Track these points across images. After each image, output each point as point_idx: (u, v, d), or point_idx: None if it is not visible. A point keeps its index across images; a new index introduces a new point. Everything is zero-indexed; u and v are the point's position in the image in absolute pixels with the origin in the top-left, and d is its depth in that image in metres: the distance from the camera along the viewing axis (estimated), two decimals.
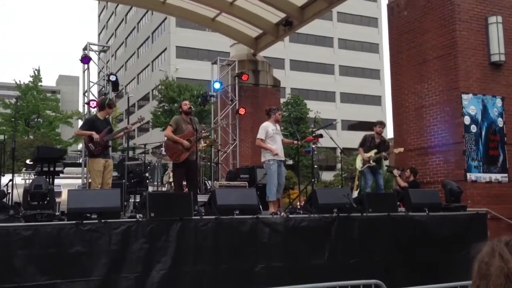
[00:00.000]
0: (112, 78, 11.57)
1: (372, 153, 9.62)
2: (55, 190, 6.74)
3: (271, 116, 8.47)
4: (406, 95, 10.92)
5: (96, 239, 5.81)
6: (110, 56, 53.59)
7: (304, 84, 48.92)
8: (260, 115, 15.80)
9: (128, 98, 28.35)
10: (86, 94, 11.72)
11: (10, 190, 8.42)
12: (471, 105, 9.94)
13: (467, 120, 9.87)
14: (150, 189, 9.79)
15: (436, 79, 10.29)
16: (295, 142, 9.02)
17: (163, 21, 47.03)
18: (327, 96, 51.38)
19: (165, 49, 47.58)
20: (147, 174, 10.06)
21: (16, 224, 5.78)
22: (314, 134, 9.75)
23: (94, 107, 10.94)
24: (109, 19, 65.63)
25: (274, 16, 14.78)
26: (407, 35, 10.98)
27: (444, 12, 10.15)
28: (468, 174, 9.71)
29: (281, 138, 8.49)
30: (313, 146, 9.68)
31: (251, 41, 16.35)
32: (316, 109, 38.53)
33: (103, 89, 12.11)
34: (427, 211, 7.90)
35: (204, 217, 6.58)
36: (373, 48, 54.17)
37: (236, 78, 15.50)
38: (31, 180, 8.22)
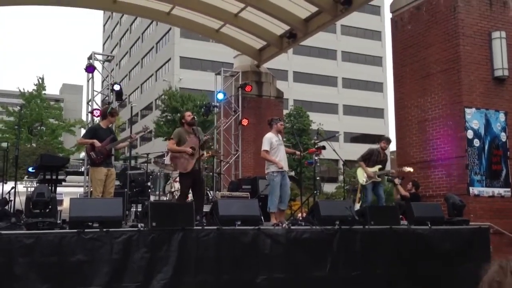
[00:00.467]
0: (116, 87, 11.61)
1: (376, 168, 9.59)
2: (57, 198, 6.74)
3: (273, 126, 8.48)
4: (409, 108, 10.93)
5: (97, 248, 5.80)
6: (114, 65, 53.92)
7: (307, 96, 49.02)
8: (263, 126, 15.81)
9: (132, 107, 28.47)
10: (89, 103, 11.76)
11: (12, 198, 8.44)
12: (474, 119, 9.94)
13: (470, 134, 9.87)
14: (152, 198, 9.79)
15: (439, 93, 10.31)
16: (298, 152, 9.03)
17: (168, 31, 47.31)
18: (330, 108, 51.45)
19: (169, 59, 47.80)
20: (149, 184, 10.06)
21: (18, 231, 5.77)
22: (316, 146, 9.77)
23: (98, 116, 10.98)
24: (114, 29, 66.05)
25: (278, 28, 14.87)
26: (410, 49, 11.02)
27: (448, 26, 10.20)
28: (470, 188, 9.69)
29: (284, 148, 8.50)
30: (316, 158, 9.69)
31: (255, 52, 16.42)
32: (318, 121, 38.57)
33: (107, 98, 12.14)
34: (429, 225, 7.87)
35: (205, 227, 6.57)
36: (377, 61, 54.34)
37: (240, 89, 15.55)
38: (33, 188, 8.23)
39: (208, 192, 11.09)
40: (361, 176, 9.67)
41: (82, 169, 12.39)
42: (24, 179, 11.62)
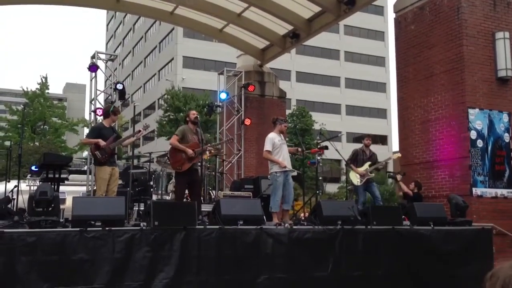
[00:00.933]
0: (119, 86, 11.61)
1: (366, 165, 9.59)
2: (59, 197, 6.75)
3: (276, 126, 8.47)
4: (412, 108, 10.91)
5: (99, 246, 5.81)
6: (117, 64, 53.89)
7: (310, 96, 49.00)
8: (266, 126, 15.81)
9: (134, 106, 28.40)
10: (92, 102, 11.77)
11: (15, 196, 8.46)
12: (477, 120, 9.92)
13: (473, 134, 9.84)
14: (155, 197, 9.79)
15: (442, 93, 10.28)
16: (299, 150, 9.02)
17: (171, 31, 47.36)
18: (333, 109, 51.43)
19: (172, 59, 47.84)
20: (151, 183, 10.06)
21: (20, 230, 5.79)
22: (319, 146, 9.76)
23: (101, 115, 10.98)
24: (117, 29, 66.17)
25: (281, 28, 14.85)
26: (413, 49, 11.00)
27: (452, 27, 10.17)
28: (473, 189, 9.66)
29: (287, 148, 8.50)
30: (318, 158, 9.68)
31: (258, 52, 16.41)
32: (321, 121, 38.57)
33: (110, 97, 12.14)
34: (432, 225, 7.85)
35: (208, 226, 6.57)
36: (380, 61, 54.28)
37: (242, 88, 15.53)
38: (36, 187, 8.24)
39: (210, 191, 11.09)
40: (354, 177, 9.65)
41: (85, 168, 12.42)
42: (27, 178, 11.64)
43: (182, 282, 6.11)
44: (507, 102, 10.35)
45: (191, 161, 7.85)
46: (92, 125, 11.11)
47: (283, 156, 8.23)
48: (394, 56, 11.65)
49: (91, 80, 11.79)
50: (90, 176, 10.83)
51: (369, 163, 9.62)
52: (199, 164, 8.02)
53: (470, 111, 9.87)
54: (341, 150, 9.59)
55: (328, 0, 12.94)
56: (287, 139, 8.83)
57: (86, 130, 25.91)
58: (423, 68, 10.72)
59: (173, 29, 45.65)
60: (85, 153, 28.26)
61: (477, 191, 9.69)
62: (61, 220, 6.72)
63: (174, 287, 6.05)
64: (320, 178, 10.47)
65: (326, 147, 9.59)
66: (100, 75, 12.44)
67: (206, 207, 8.70)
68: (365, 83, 52.85)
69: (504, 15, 10.51)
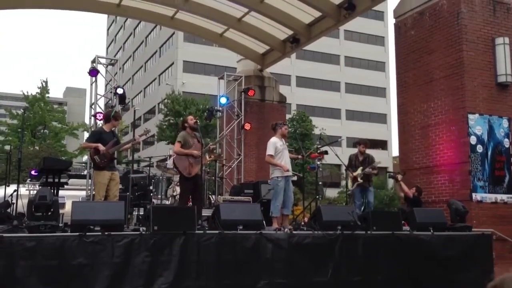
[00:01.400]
0: (119, 91, 11.63)
1: (359, 170, 9.61)
2: (59, 202, 6.74)
3: (277, 131, 8.48)
4: (412, 113, 10.91)
5: (99, 251, 5.79)
6: (117, 69, 53.97)
7: (310, 100, 49.04)
8: (266, 131, 15.81)
9: (135, 111, 28.36)
10: (93, 106, 11.79)
11: (14, 201, 8.45)
12: (477, 125, 9.92)
13: (473, 140, 9.84)
14: (154, 202, 9.78)
15: (442, 99, 10.29)
16: (300, 157, 9.02)
17: (171, 35, 47.44)
18: (333, 113, 51.46)
19: (172, 63, 47.91)
20: (151, 187, 10.06)
21: (20, 234, 5.78)
22: (319, 151, 9.75)
23: (101, 120, 10.99)
24: (117, 33, 66.28)
25: (281, 33, 14.88)
26: (413, 54, 11.01)
27: (451, 32, 10.19)
28: (473, 194, 9.65)
29: (288, 153, 8.50)
30: (318, 162, 9.68)
31: (258, 57, 16.44)
32: (321, 125, 38.61)
33: (110, 101, 12.16)
34: (432, 231, 7.84)
35: (207, 231, 6.55)
36: (379, 66, 54.35)
37: (243, 93, 15.55)
38: (35, 191, 8.24)
39: (210, 196, 11.08)
40: (350, 182, 9.82)
41: (85, 172, 12.41)
42: (27, 182, 11.64)
43: (181, 287, 6.09)
44: (507, 108, 10.35)
45: (198, 164, 7.84)
46: (92, 129, 11.12)
47: (285, 161, 8.24)
48: (394, 61, 11.67)
49: (91, 84, 11.81)
50: (89, 180, 10.83)
51: (361, 168, 9.67)
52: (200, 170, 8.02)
53: (470, 116, 9.87)
54: (341, 155, 9.59)
55: (328, 5, 12.97)
56: (287, 143, 8.83)
57: (86, 135, 25.92)
58: (423, 73, 10.73)
59: (173, 33, 45.72)
60: (85, 158, 28.25)
61: (477, 196, 9.68)
62: (61, 224, 6.71)
63: None
64: (320, 183, 10.49)
65: (326, 152, 9.59)
66: (101, 79, 12.51)
67: (205, 212, 8.69)
68: (365, 88, 52.90)
69: (504, 21, 10.53)
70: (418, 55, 10.90)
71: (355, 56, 52.87)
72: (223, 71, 16.79)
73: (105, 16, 66.89)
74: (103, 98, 13.56)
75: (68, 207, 8.57)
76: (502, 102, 10.32)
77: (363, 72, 52.61)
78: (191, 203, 8.14)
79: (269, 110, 16.62)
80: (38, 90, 37.94)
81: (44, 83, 38.04)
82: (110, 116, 8.17)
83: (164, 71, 49.96)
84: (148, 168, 10.69)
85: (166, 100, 38.14)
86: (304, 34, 14.36)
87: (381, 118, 53.74)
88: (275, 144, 8.23)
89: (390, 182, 34.02)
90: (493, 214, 9.72)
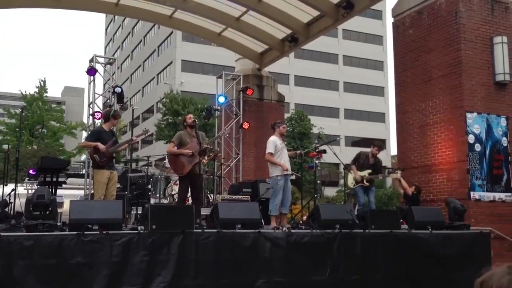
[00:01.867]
0: (117, 90, 11.63)
1: (365, 172, 9.53)
2: (57, 201, 6.74)
3: (276, 130, 8.49)
4: (410, 112, 10.92)
5: (97, 250, 5.79)
6: (116, 68, 54.02)
7: (309, 100, 49.04)
8: (264, 130, 15.81)
9: (133, 110, 28.45)
10: (91, 105, 11.77)
11: (12, 200, 8.44)
12: (475, 124, 9.93)
13: (471, 138, 9.85)
14: (152, 201, 9.77)
15: (440, 97, 10.30)
16: (298, 152, 9.01)
17: (170, 35, 47.40)
18: (331, 112, 51.46)
19: (171, 62, 47.88)
20: (149, 186, 10.05)
21: (18, 233, 5.77)
22: (317, 150, 9.75)
23: (99, 119, 10.98)
24: (116, 32, 66.21)
25: (279, 32, 14.88)
26: (412, 53, 11.02)
27: (449, 31, 10.19)
28: (471, 193, 9.66)
29: (287, 152, 8.51)
30: (316, 161, 9.67)
31: (257, 56, 16.43)
32: (320, 125, 38.58)
33: (108, 101, 12.15)
34: (430, 229, 7.85)
35: (205, 230, 6.56)
36: (378, 65, 54.36)
37: (241, 92, 15.55)
38: (33, 190, 8.23)
39: (208, 195, 11.08)
40: (350, 179, 9.62)
41: (83, 171, 12.39)
42: (25, 181, 11.62)
43: (179, 286, 6.10)
44: (505, 106, 10.36)
45: (190, 163, 7.82)
46: (91, 128, 11.12)
47: (284, 160, 8.25)
48: (393, 60, 11.67)
49: (89, 84, 11.80)
50: (88, 179, 10.81)
51: (369, 171, 9.56)
52: (200, 167, 8.00)
53: (468, 115, 9.88)
54: (340, 154, 9.58)
55: (326, 4, 12.97)
56: (285, 142, 8.83)
57: (85, 134, 25.93)
58: (421, 72, 10.74)
59: (171, 33, 45.69)
60: (83, 157, 28.24)
61: (475, 195, 9.69)
62: (59, 223, 6.70)
63: None
64: (319, 181, 10.47)
65: (325, 151, 9.58)
66: (99, 79, 12.47)
67: (204, 211, 8.68)
68: (363, 87, 52.91)
69: (502, 20, 10.54)
70: (416, 54, 10.91)
71: (354, 55, 52.87)
72: (222, 70, 16.77)
73: (103, 15, 66.91)
74: (101, 97, 13.54)
75: (66, 206, 8.55)
76: (500, 101, 10.33)
77: (361, 71, 52.62)
78: (189, 202, 8.15)
79: (267, 109, 16.62)
80: (36, 89, 37.88)
81: (42, 82, 37.99)
82: (109, 115, 8.17)
83: (163, 70, 49.93)
84: (146, 167, 10.69)
85: (164, 99, 38.13)
86: (302, 33, 14.36)
87: (380, 117, 53.75)
88: (275, 143, 8.24)
89: (389, 181, 34.05)
90: (491, 212, 9.74)
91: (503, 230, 9.50)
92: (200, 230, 6.48)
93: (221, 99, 14.80)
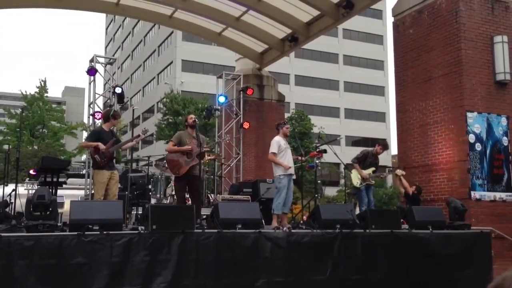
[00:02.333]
0: (118, 90, 11.62)
1: (370, 170, 9.55)
2: (57, 201, 6.74)
3: (280, 130, 8.53)
4: (411, 112, 10.91)
5: (97, 250, 5.79)
6: (116, 68, 53.99)
7: (309, 99, 49.02)
8: (264, 130, 15.82)
9: (133, 110, 28.47)
10: (91, 105, 11.77)
11: (13, 200, 8.44)
12: (476, 123, 9.92)
13: (471, 138, 9.84)
14: (153, 201, 9.77)
15: (441, 97, 10.29)
16: (300, 158, 9.02)
17: (170, 35, 47.39)
18: (332, 112, 51.43)
19: (171, 62, 47.87)
20: (150, 186, 10.05)
21: (18, 234, 5.77)
22: (318, 150, 9.74)
23: (99, 119, 10.98)
24: (116, 32, 66.21)
25: (280, 31, 14.87)
26: (412, 52, 11.01)
27: (450, 30, 10.18)
28: (472, 193, 9.66)
29: (290, 152, 8.54)
30: (317, 161, 9.67)
31: (257, 56, 16.43)
32: (320, 124, 38.53)
33: (109, 101, 12.15)
34: (430, 229, 7.85)
35: (206, 230, 6.55)
36: (378, 65, 54.33)
37: (241, 92, 15.55)
38: (34, 190, 8.22)
39: (209, 195, 11.07)
40: (356, 178, 9.55)
41: (84, 171, 12.39)
42: (25, 182, 11.62)
43: (180, 286, 6.10)
44: (506, 106, 10.35)
45: (188, 164, 7.82)
46: (91, 128, 11.11)
47: (288, 160, 8.29)
48: (393, 60, 11.66)
49: (90, 84, 11.80)
50: (88, 180, 10.81)
51: (373, 168, 9.62)
52: (198, 168, 8.01)
53: (469, 114, 9.87)
54: (340, 154, 9.58)
55: (326, 4, 12.96)
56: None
57: (85, 134, 25.91)
58: (422, 72, 10.73)
59: (172, 32, 45.68)
60: (84, 157, 28.22)
61: (475, 194, 9.69)
62: (59, 224, 6.70)
63: None
64: (319, 181, 10.46)
65: (325, 151, 9.58)
66: (99, 79, 12.46)
67: (204, 211, 8.68)
68: (364, 86, 52.88)
69: (502, 19, 10.53)
70: (416, 53, 10.90)
71: (354, 54, 52.84)
72: (222, 70, 16.76)
73: (103, 15, 66.93)
74: (101, 97, 13.53)
75: (66, 206, 8.55)
76: (501, 100, 10.32)
77: (361, 71, 52.59)
78: (189, 203, 8.15)
79: (267, 109, 16.61)
80: (37, 90, 37.91)
81: (42, 83, 38.01)
82: (109, 115, 8.17)
83: (163, 70, 49.92)
84: (147, 167, 10.68)
85: (164, 99, 38.13)
86: (302, 33, 14.35)
87: (380, 117, 53.72)
88: (279, 143, 8.29)
89: (390, 181, 34.03)
90: (492, 212, 9.73)
91: (504, 230, 9.49)
92: (200, 230, 6.48)
93: (222, 99, 14.79)
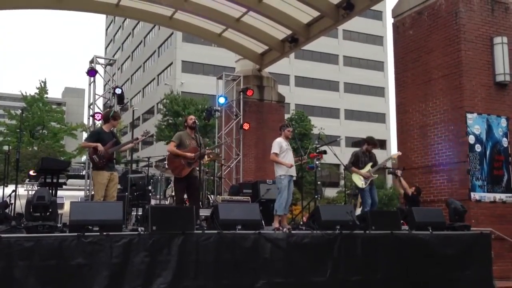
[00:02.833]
0: (118, 91, 11.63)
1: (368, 167, 9.51)
2: (57, 202, 6.74)
3: (282, 132, 8.58)
4: (411, 113, 10.92)
5: (97, 251, 5.79)
6: (116, 69, 54.05)
7: (309, 100, 49.05)
8: (264, 131, 15.83)
9: (133, 111, 28.56)
10: (91, 106, 11.77)
11: (12, 201, 8.44)
12: (475, 124, 9.93)
13: (471, 139, 9.85)
14: (153, 202, 9.77)
15: (441, 98, 10.30)
16: (301, 159, 9.01)
17: (170, 35, 47.43)
18: (332, 113, 51.47)
19: (171, 63, 47.89)
20: (150, 187, 10.05)
21: (18, 235, 5.76)
22: (318, 151, 9.74)
23: (99, 120, 10.98)
24: (116, 33, 66.26)
25: (280, 32, 14.88)
26: (412, 53, 11.02)
27: (450, 31, 10.19)
28: (472, 194, 9.66)
29: (292, 154, 8.56)
30: (317, 162, 9.67)
31: (257, 57, 16.44)
32: (320, 125, 38.58)
33: (109, 102, 12.15)
34: (430, 230, 7.84)
35: (206, 231, 6.55)
36: (378, 66, 54.37)
37: (241, 93, 15.56)
38: (34, 191, 8.22)
39: (209, 196, 11.07)
40: (358, 180, 9.46)
41: (83, 172, 12.39)
42: (25, 182, 11.62)
43: (180, 287, 6.09)
44: (505, 107, 10.36)
45: (190, 166, 7.84)
46: (91, 129, 11.11)
47: (289, 161, 8.32)
48: (393, 61, 11.67)
49: (90, 85, 11.80)
50: (88, 180, 10.81)
51: (370, 164, 9.55)
52: (197, 169, 8.02)
53: (468, 115, 9.88)
54: (340, 155, 9.59)
55: (326, 5, 12.97)
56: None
57: (85, 135, 25.94)
58: (422, 73, 10.74)
59: (172, 33, 45.71)
60: (84, 158, 28.24)
61: (475, 195, 9.69)
62: (59, 225, 6.69)
63: None
64: (319, 182, 10.45)
65: (325, 152, 9.58)
66: (99, 80, 12.47)
67: (204, 212, 8.68)
68: (364, 87, 52.92)
69: (502, 20, 10.54)
70: (416, 54, 10.91)
71: (354, 55, 52.89)
72: (222, 71, 16.78)
73: (103, 16, 66.99)
74: (101, 98, 13.54)
75: (66, 207, 8.55)
76: (501, 101, 10.32)
77: (362, 72, 52.63)
78: (188, 204, 8.15)
79: (267, 110, 16.62)
80: (37, 91, 37.95)
81: (42, 84, 38.05)
82: (109, 116, 8.16)
83: (163, 71, 49.95)
84: (146, 168, 10.68)
85: (164, 100, 38.14)
86: (302, 34, 14.36)
87: (380, 118, 53.76)
88: (280, 144, 8.34)
89: (389, 182, 34.03)
90: (492, 213, 9.73)
91: (504, 231, 9.49)
92: (200, 231, 6.47)
93: (222, 100, 14.80)
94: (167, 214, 6.55)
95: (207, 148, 8.63)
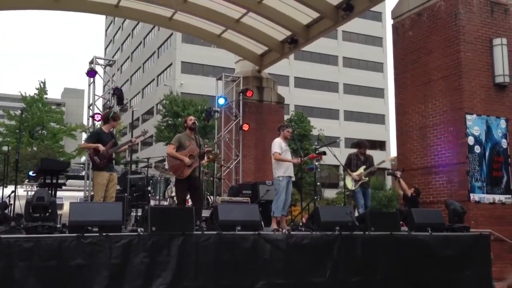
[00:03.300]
0: (117, 91, 11.62)
1: (361, 169, 9.54)
2: (57, 202, 6.73)
3: (281, 133, 8.59)
4: (410, 114, 10.93)
5: (97, 252, 5.79)
6: (115, 70, 54.02)
7: (308, 101, 49.06)
8: (264, 132, 15.84)
9: (133, 112, 28.60)
10: (91, 107, 11.76)
11: (12, 202, 8.43)
12: (475, 125, 9.94)
13: (471, 140, 9.86)
14: (152, 203, 9.76)
15: (440, 99, 10.31)
16: (299, 160, 9.02)
17: (169, 36, 47.43)
18: (331, 114, 51.49)
19: (171, 64, 47.89)
20: (149, 188, 10.04)
21: (17, 235, 5.76)
22: (317, 152, 9.74)
23: (99, 121, 10.97)
24: (116, 34, 66.25)
25: (279, 33, 14.89)
26: (411, 55, 11.03)
27: (449, 33, 10.21)
28: (471, 195, 9.67)
29: (290, 155, 8.58)
30: (316, 163, 9.67)
31: (256, 57, 16.45)
32: (319, 126, 38.55)
33: (108, 102, 12.14)
34: (430, 231, 7.85)
35: (205, 232, 6.55)
36: (378, 67, 54.39)
37: (241, 94, 15.56)
38: (33, 192, 8.22)
39: (208, 197, 11.07)
40: (349, 182, 9.57)
41: (83, 173, 12.38)
42: (25, 183, 11.60)
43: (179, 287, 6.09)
44: (505, 108, 10.38)
45: (190, 167, 7.84)
46: (90, 130, 11.11)
47: (288, 163, 8.34)
48: (392, 62, 11.68)
49: (89, 85, 11.79)
50: (87, 181, 10.80)
51: (363, 167, 9.59)
52: (200, 170, 8.01)
53: (468, 117, 9.89)
54: (339, 156, 9.59)
55: (326, 6, 12.99)
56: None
57: (84, 136, 25.94)
58: (421, 74, 10.75)
59: (171, 34, 45.71)
60: (83, 158, 28.24)
61: (474, 197, 9.70)
62: (59, 225, 6.69)
63: None
64: (318, 183, 10.45)
65: (324, 153, 9.58)
66: (99, 80, 12.45)
67: (204, 213, 8.68)
68: (363, 88, 52.94)
69: (501, 22, 10.55)
70: (416, 56, 10.92)
71: (353, 57, 52.92)
72: (221, 72, 16.80)
73: (103, 17, 66.96)
74: (101, 99, 13.52)
75: (66, 208, 8.54)
76: (500, 102, 10.34)
77: (361, 73, 52.64)
78: (190, 204, 8.14)
79: (267, 111, 16.63)
80: (36, 91, 37.92)
81: (42, 84, 38.02)
82: (108, 117, 8.16)
83: (162, 72, 49.95)
84: (146, 169, 10.67)
85: (164, 101, 38.13)
86: (302, 35, 14.37)
87: (379, 119, 53.78)
88: (280, 144, 8.39)
89: (389, 183, 34.04)
90: (491, 214, 9.74)
91: (503, 232, 9.50)
92: (200, 232, 6.47)
93: (221, 101, 14.80)
94: (167, 215, 6.55)
95: (206, 146, 8.62)
